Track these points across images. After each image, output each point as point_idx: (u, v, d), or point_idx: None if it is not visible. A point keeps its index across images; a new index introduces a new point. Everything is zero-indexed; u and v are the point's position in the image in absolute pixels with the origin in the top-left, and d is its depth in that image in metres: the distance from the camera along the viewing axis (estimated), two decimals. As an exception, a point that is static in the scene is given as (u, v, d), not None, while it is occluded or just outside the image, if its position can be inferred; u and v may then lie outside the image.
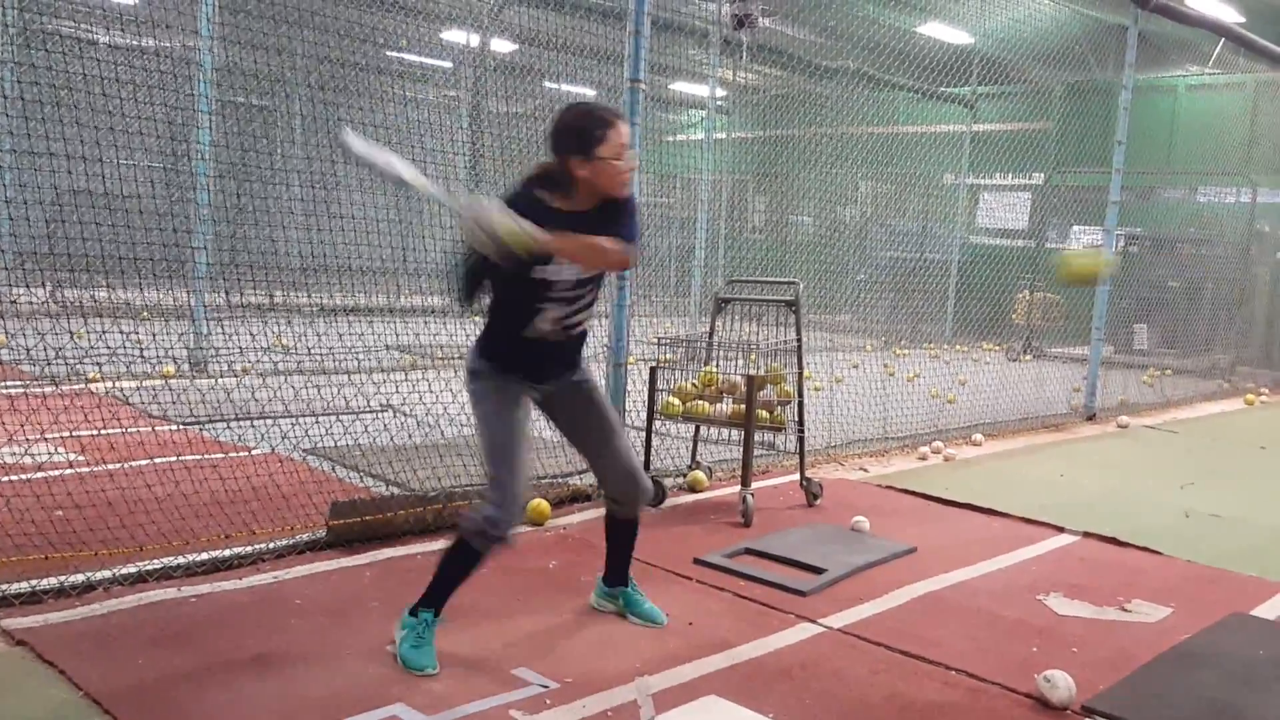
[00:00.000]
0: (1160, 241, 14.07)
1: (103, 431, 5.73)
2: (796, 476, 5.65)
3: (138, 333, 5.62)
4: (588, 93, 8.57)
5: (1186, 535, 5.35)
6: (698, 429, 5.73)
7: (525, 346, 3.33)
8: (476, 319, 3.56)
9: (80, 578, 3.67)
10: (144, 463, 5.13)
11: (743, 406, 5.22)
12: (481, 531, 3.25)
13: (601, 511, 3.78)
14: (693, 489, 5.68)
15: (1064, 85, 13.67)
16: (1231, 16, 12.44)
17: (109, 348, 5.64)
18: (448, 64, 12.74)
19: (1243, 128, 13.33)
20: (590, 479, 5.01)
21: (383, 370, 8.27)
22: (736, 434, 5.33)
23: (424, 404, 5.87)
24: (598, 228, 3.19)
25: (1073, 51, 10.43)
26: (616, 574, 3.78)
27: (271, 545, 4.18)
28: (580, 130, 3.21)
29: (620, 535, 3.74)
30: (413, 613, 3.33)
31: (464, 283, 3.22)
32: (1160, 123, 14.44)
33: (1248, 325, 13.35)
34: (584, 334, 3.48)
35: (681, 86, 17.31)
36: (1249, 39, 9.93)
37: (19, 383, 7.01)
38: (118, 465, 5.06)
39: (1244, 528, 5.62)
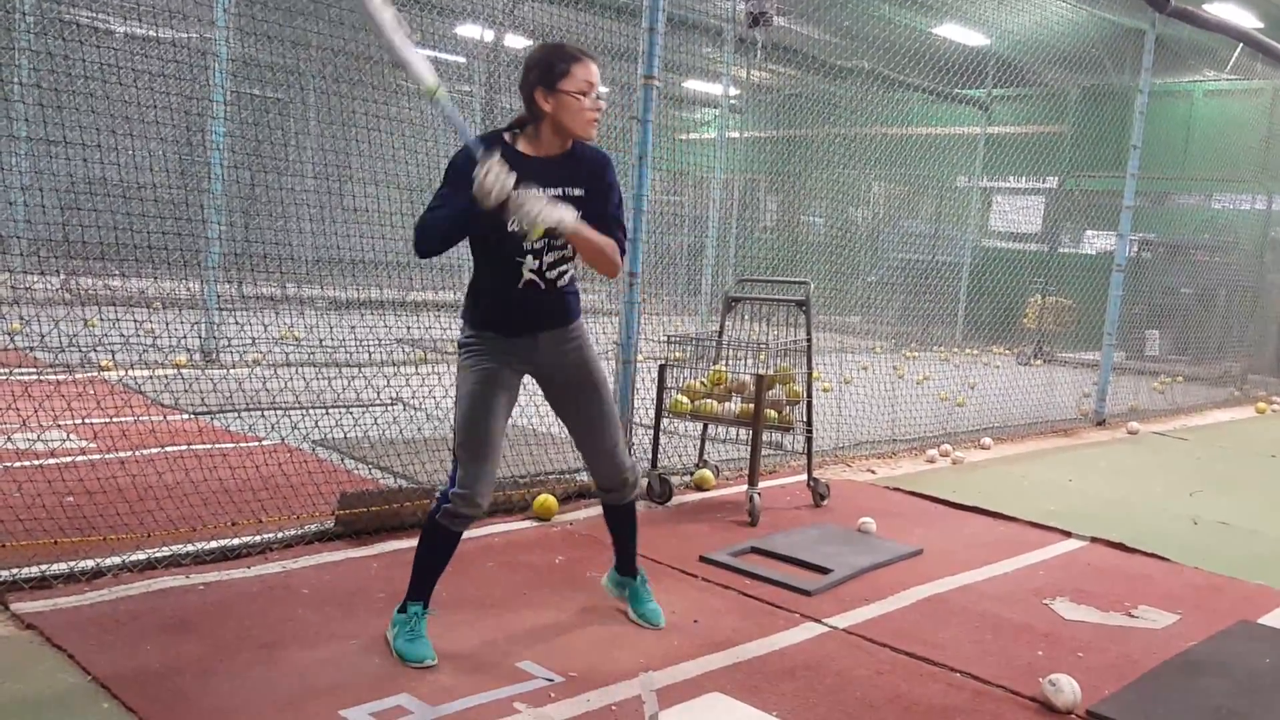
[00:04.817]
0: (1174, 247, 14.02)
1: (114, 419, 5.77)
2: (804, 477, 5.65)
3: (150, 322, 5.64)
4: (601, 89, 8.56)
5: (1195, 542, 5.34)
6: (706, 427, 5.74)
7: (511, 302, 3.25)
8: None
9: (90, 563, 3.69)
10: (155, 451, 5.16)
11: (751, 406, 5.22)
12: (454, 513, 3.25)
13: (609, 508, 3.78)
14: (700, 487, 5.69)
15: (1079, 89, 13.63)
16: (1250, 22, 12.40)
17: (122, 336, 5.67)
18: (461, 59, 12.74)
19: (1259, 134, 13.26)
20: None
21: (393, 364, 8.29)
22: (744, 433, 5.33)
23: (434, 398, 5.88)
24: (561, 176, 3.19)
25: (1089, 55, 10.39)
26: (623, 563, 3.77)
27: (280, 535, 4.20)
28: (545, 62, 3.19)
29: (614, 523, 3.70)
30: (401, 609, 3.34)
31: (442, 234, 3.12)
32: (1176, 128, 14.39)
33: (1260, 333, 13.28)
34: (567, 289, 3.36)
35: (695, 85, 17.28)
36: (1267, 44, 9.88)
37: (33, 369, 7.05)
38: (129, 453, 5.09)
39: (1253, 536, 5.60)
